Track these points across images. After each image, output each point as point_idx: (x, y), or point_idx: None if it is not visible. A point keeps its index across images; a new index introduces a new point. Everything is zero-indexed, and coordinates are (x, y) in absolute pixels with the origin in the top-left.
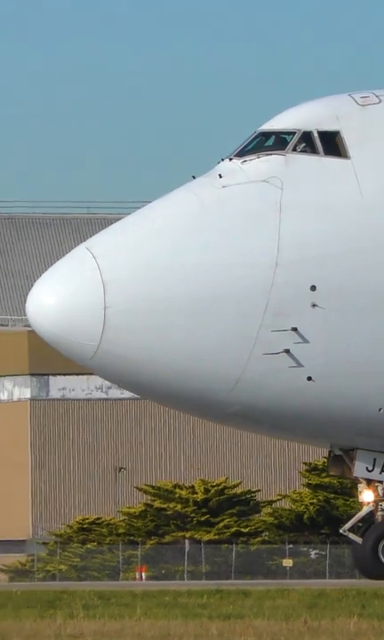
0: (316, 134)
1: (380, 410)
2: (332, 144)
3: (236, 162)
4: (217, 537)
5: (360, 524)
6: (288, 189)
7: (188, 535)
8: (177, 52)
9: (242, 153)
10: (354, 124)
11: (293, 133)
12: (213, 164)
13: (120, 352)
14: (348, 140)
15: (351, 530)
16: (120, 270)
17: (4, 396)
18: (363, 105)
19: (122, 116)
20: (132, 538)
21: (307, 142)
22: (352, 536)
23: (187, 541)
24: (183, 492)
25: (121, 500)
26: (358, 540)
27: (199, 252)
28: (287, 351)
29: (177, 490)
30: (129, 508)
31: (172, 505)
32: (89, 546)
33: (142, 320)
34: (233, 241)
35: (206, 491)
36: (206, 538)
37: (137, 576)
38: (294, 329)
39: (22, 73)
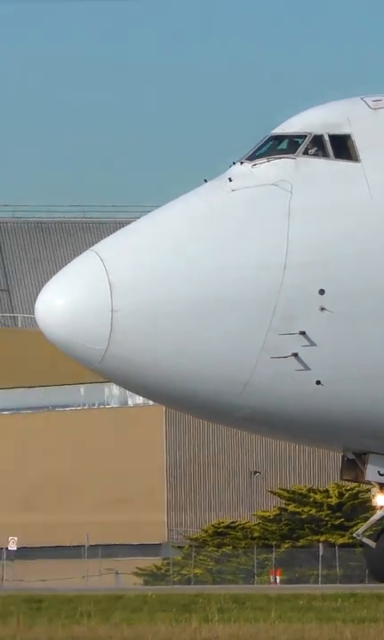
0: (326, 138)
1: None
2: (343, 148)
3: (247, 165)
4: (351, 541)
5: (374, 529)
6: (297, 193)
7: (322, 539)
8: (177, 53)
9: (253, 157)
10: (365, 128)
11: (304, 137)
12: (218, 167)
13: (128, 355)
14: (360, 143)
15: (365, 534)
16: (127, 273)
17: (140, 400)
18: (375, 109)
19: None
20: (266, 541)
21: (318, 146)
22: (366, 540)
23: (321, 545)
24: (317, 496)
25: (255, 503)
26: (372, 544)
27: (207, 255)
28: (295, 355)
29: (311, 494)
30: (263, 511)
31: (306, 509)
32: (224, 549)
33: (150, 323)
34: (241, 244)
35: (340, 495)
36: (340, 541)
37: (271, 579)
38: (302, 332)
39: (23, 73)
